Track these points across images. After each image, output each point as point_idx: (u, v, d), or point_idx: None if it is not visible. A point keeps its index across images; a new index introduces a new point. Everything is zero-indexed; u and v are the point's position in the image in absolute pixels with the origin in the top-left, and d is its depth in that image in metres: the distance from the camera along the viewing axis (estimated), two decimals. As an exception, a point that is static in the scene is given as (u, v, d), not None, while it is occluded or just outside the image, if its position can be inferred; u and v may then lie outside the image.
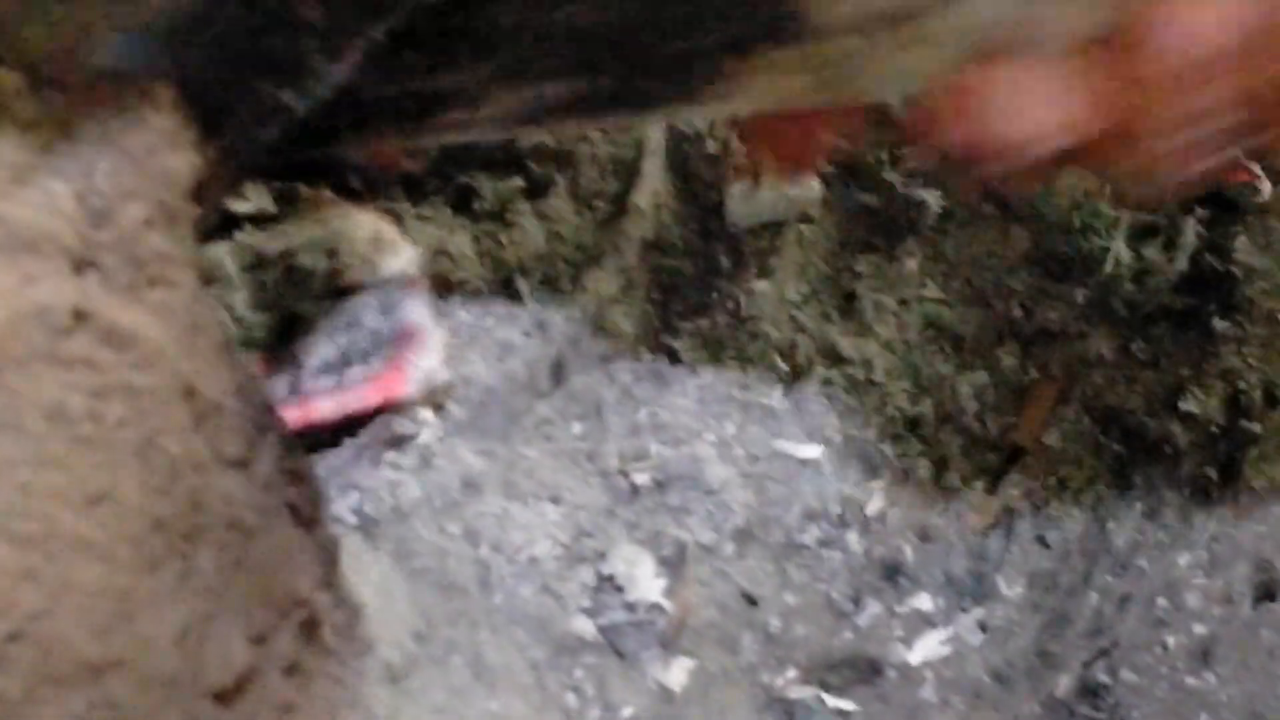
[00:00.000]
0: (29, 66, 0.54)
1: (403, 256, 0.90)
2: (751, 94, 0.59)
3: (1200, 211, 0.96)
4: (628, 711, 0.88)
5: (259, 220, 0.89)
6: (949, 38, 0.56)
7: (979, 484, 0.93)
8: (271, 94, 0.61)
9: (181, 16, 0.57)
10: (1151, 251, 0.95)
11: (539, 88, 0.61)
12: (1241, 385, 0.94)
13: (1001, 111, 0.55)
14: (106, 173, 0.55)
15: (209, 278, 0.60)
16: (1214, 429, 0.94)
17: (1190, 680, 0.92)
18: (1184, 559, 0.93)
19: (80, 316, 0.54)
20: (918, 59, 0.57)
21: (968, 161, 0.56)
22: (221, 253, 0.84)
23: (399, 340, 0.91)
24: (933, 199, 0.96)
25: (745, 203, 0.93)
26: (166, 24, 0.57)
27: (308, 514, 0.68)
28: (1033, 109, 0.55)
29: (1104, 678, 0.92)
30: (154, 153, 0.57)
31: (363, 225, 0.88)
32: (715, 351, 0.93)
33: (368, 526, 0.88)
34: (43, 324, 0.53)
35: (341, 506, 0.88)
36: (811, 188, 0.94)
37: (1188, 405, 0.94)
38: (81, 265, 0.54)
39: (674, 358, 0.93)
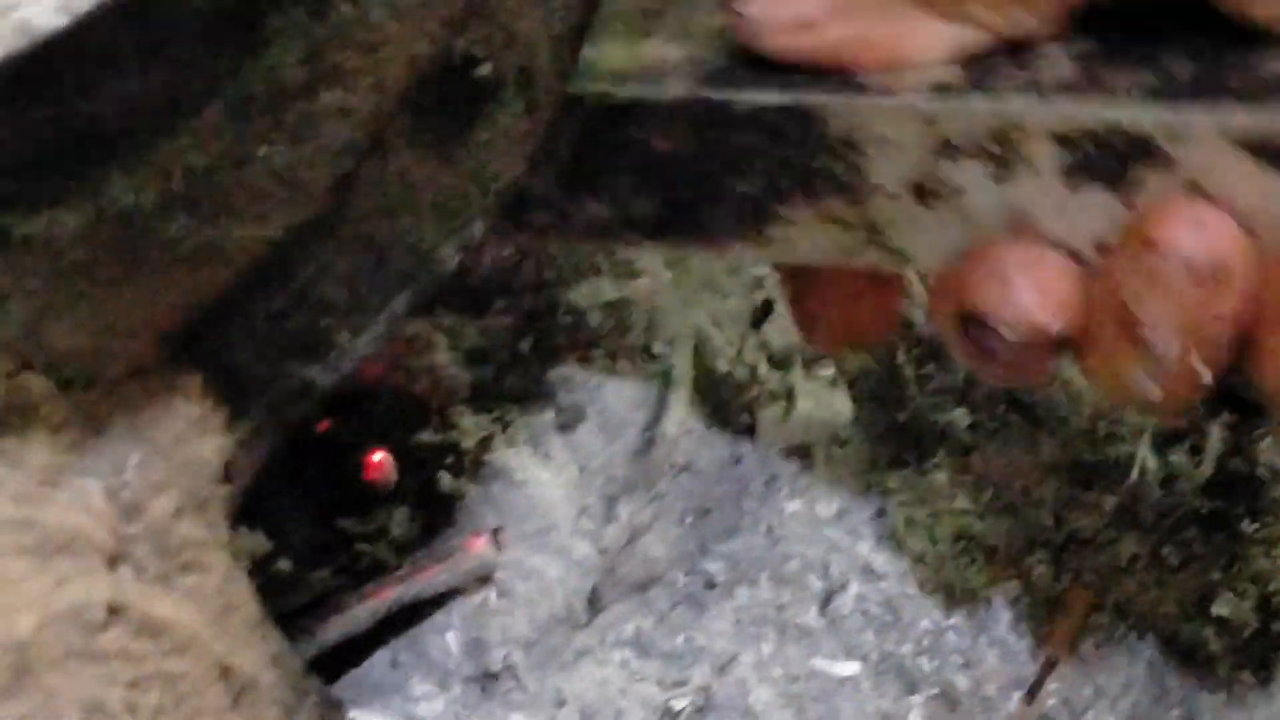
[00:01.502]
0: (56, 368, 0.55)
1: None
2: (806, 243, 0.62)
3: (1225, 416, 0.96)
4: None
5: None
6: (988, 216, 0.58)
7: (1016, 695, 0.93)
8: (298, 372, 0.62)
9: (207, 310, 0.58)
10: (1178, 457, 0.96)
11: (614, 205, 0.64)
12: (1273, 587, 0.94)
13: (1002, 285, 0.58)
14: (136, 466, 0.56)
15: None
16: (1247, 632, 0.94)
17: None
18: (1224, 761, 0.93)
19: (115, 611, 0.54)
20: (958, 230, 0.59)
21: (969, 333, 0.59)
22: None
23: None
24: (960, 415, 0.96)
25: (776, 426, 0.94)
26: (193, 318, 0.58)
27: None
28: (1029, 288, 0.58)
29: None
30: (183, 441, 0.58)
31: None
32: (750, 573, 0.93)
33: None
34: (78, 622, 0.53)
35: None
36: (841, 410, 0.95)
37: (1220, 608, 0.94)
38: (114, 560, 0.55)
39: (709, 581, 0.93)
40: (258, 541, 0.84)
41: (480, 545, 0.87)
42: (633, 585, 0.91)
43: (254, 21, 0.58)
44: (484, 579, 0.88)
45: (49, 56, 0.42)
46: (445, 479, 0.90)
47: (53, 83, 0.47)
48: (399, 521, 0.89)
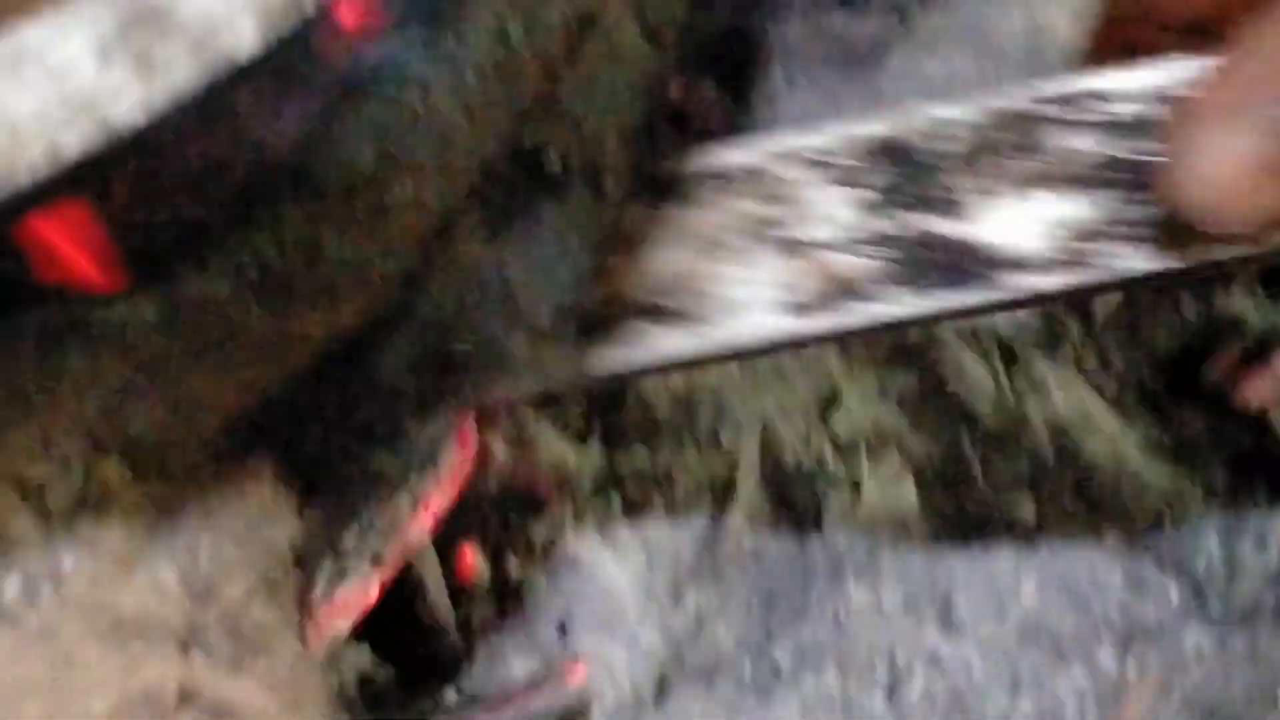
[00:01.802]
0: (131, 454, 0.56)
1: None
2: None
3: (1290, 507, 0.95)
4: None
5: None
6: None
7: (1084, 784, 0.93)
8: (368, 461, 0.63)
9: (279, 398, 0.59)
10: (1244, 548, 0.95)
11: None
12: (1343, 678, 0.93)
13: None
14: (209, 551, 0.57)
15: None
16: (1316, 723, 0.93)
17: None
18: None
19: (186, 696, 0.55)
20: None
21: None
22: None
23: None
24: (1026, 504, 0.96)
25: (843, 514, 0.94)
26: (265, 406, 0.59)
27: None
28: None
29: None
30: (254, 527, 0.58)
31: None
32: (816, 661, 0.93)
33: None
34: (150, 706, 0.54)
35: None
36: (907, 498, 0.95)
37: (1289, 699, 0.93)
38: (187, 644, 0.55)
39: (775, 668, 0.93)
40: (363, 658, 0.84)
41: (579, 677, 0.88)
42: (699, 672, 0.91)
43: (330, 114, 0.59)
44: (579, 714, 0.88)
45: (130, 151, 0.43)
46: (514, 565, 0.90)
47: (137, 177, 0.48)
48: (476, 612, 0.89)
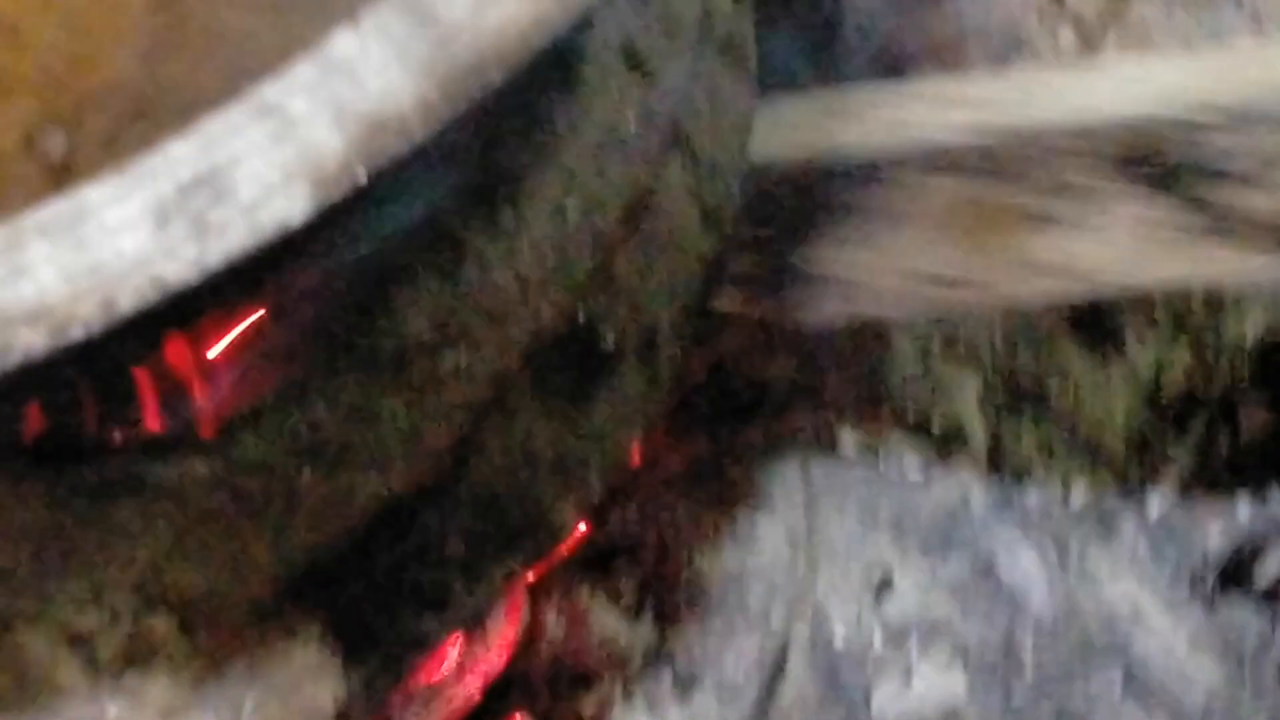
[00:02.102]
0: (180, 609, 0.56)
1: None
2: None
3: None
4: None
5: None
6: None
7: None
8: (415, 625, 0.63)
9: (329, 559, 0.59)
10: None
11: None
12: None
13: None
14: (253, 708, 0.57)
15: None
16: None
17: None
18: None
19: None
20: None
21: None
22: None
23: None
24: (1078, 696, 0.95)
25: (892, 700, 0.93)
26: (315, 565, 0.59)
27: None
28: None
29: None
30: (299, 686, 0.58)
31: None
32: None
33: None
34: None
35: None
36: (957, 689, 0.94)
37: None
38: (226, 801, 0.55)
39: None
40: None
41: None
42: None
43: (386, 283, 0.60)
44: None
45: (184, 308, 0.44)
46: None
47: (191, 336, 0.49)
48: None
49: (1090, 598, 0.97)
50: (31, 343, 0.42)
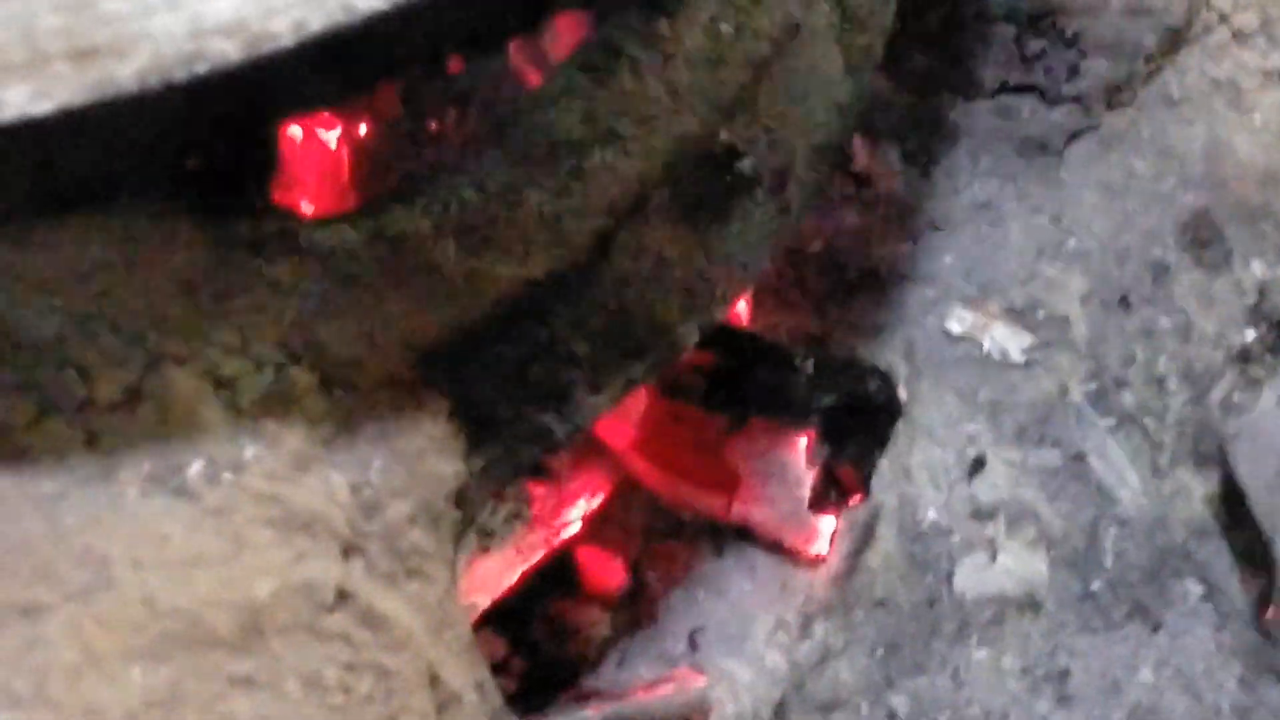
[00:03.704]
0: (321, 366, 0.57)
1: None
2: None
3: None
4: None
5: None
6: None
7: None
8: (536, 418, 0.64)
9: (462, 339, 0.60)
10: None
11: None
12: None
13: None
14: (380, 469, 0.58)
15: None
16: None
17: None
18: None
19: (343, 596, 0.56)
20: None
21: None
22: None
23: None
24: (1153, 593, 0.96)
25: (975, 576, 0.94)
26: (449, 344, 0.60)
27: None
28: None
29: None
30: (424, 456, 0.59)
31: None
32: (932, 712, 0.93)
33: None
34: (309, 598, 0.55)
35: None
36: (1039, 570, 0.95)
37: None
38: (349, 550, 0.57)
39: (891, 713, 0.93)
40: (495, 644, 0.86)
41: (699, 685, 0.88)
42: (818, 705, 0.91)
43: (541, 80, 0.61)
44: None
45: (368, 40, 0.45)
46: (652, 577, 0.91)
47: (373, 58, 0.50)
48: (610, 618, 0.90)
49: (1180, 505, 0.97)
50: (224, 52, 0.43)
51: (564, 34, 0.66)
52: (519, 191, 0.59)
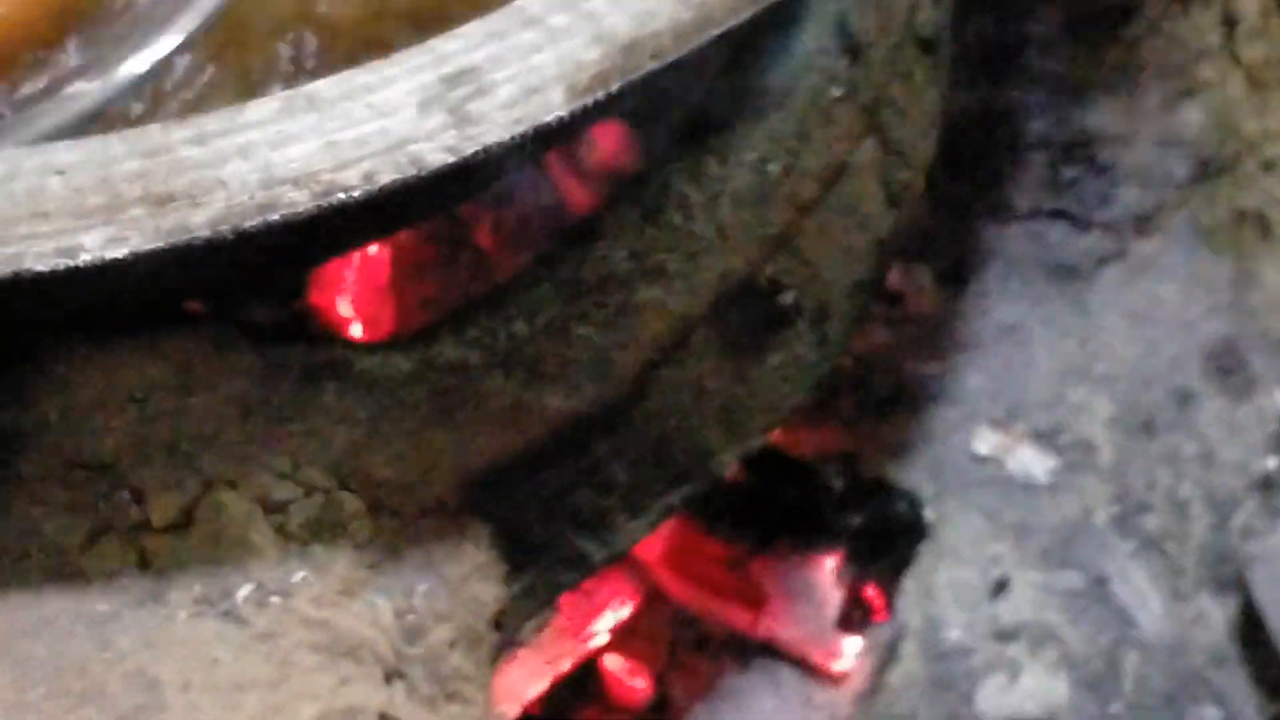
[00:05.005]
0: (369, 492, 0.58)
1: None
2: None
3: None
4: None
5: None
6: None
7: None
8: (576, 543, 0.65)
9: (506, 466, 0.61)
10: None
11: None
12: None
13: None
14: (424, 594, 0.59)
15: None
16: None
17: None
18: None
19: (384, 720, 0.57)
20: None
21: None
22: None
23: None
24: None
25: (995, 697, 0.94)
26: (493, 471, 0.61)
27: None
28: None
29: None
30: (467, 581, 0.60)
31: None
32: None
33: None
34: (351, 723, 0.56)
35: None
36: (1060, 693, 0.95)
37: None
38: (391, 675, 0.57)
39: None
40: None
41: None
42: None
43: (592, 216, 0.62)
44: None
45: (433, 186, 0.45)
46: (677, 691, 0.92)
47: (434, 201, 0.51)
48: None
49: (1200, 630, 0.98)
50: (295, 201, 0.44)
51: (605, 155, 0.67)
52: (567, 324, 0.60)
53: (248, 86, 0.54)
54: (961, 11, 0.83)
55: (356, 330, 0.65)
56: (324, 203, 0.44)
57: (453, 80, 0.46)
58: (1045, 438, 1.00)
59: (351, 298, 0.64)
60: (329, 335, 0.58)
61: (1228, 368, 1.03)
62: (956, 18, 0.79)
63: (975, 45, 1.01)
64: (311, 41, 0.57)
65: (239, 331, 0.57)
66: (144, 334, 0.56)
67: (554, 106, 0.45)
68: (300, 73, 0.56)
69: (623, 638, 0.91)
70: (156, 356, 0.56)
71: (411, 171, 0.44)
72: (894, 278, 1.01)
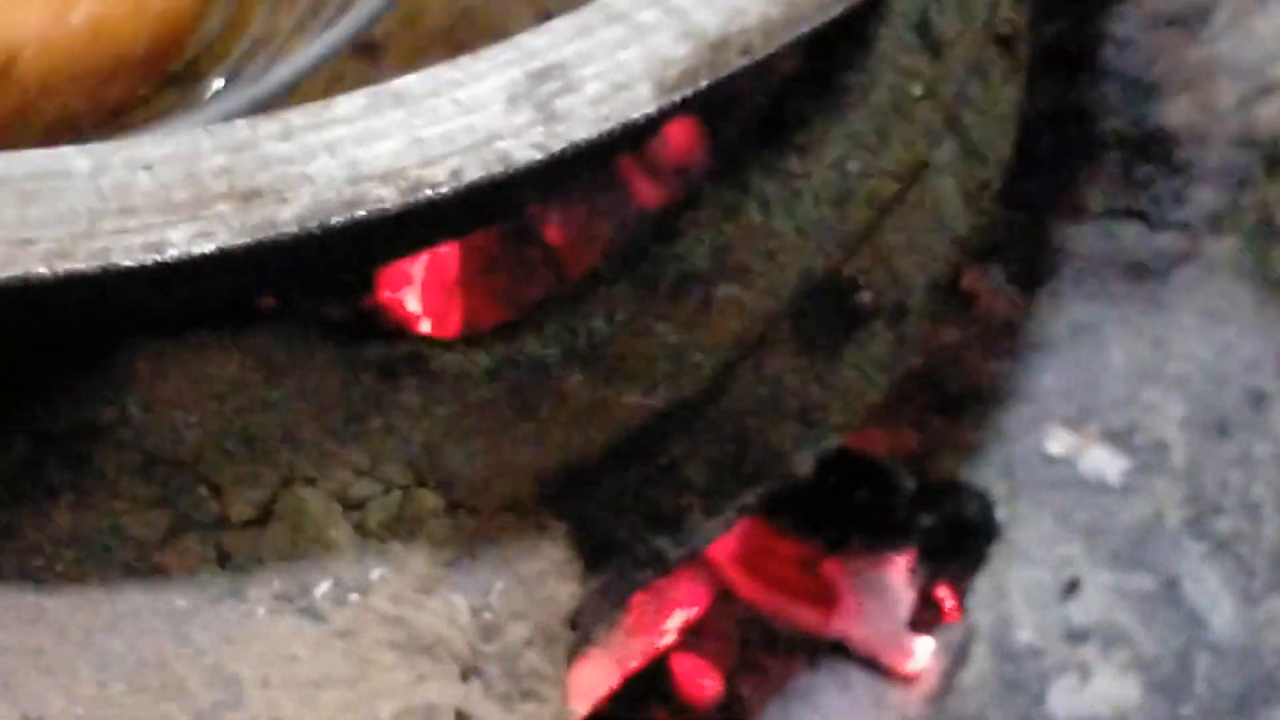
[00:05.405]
0: (447, 489, 0.58)
1: None
2: None
3: None
4: None
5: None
6: None
7: None
8: (652, 542, 0.64)
9: (583, 464, 0.61)
10: None
11: None
12: None
13: None
14: (500, 592, 0.58)
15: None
16: None
17: None
18: None
19: (461, 718, 0.56)
20: None
21: None
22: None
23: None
24: None
25: (1066, 698, 0.94)
26: (570, 468, 0.61)
27: None
28: None
29: None
30: (543, 580, 0.60)
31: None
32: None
33: None
34: (428, 720, 0.55)
35: None
36: (1131, 696, 0.94)
37: None
38: (468, 672, 0.57)
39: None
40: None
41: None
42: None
43: (670, 213, 0.61)
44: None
45: (519, 184, 0.45)
46: (747, 688, 0.91)
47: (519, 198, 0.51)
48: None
49: (1272, 633, 0.97)
50: (382, 198, 0.43)
51: (680, 151, 0.67)
52: (646, 322, 0.60)
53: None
54: (1040, 10, 0.82)
55: (425, 327, 0.65)
56: (411, 199, 0.44)
57: (540, 76, 0.45)
58: (1118, 438, 0.99)
59: (420, 294, 0.64)
60: (409, 332, 0.58)
61: (1302, 369, 1.02)
62: (1035, 16, 0.79)
63: (1052, 44, 1.01)
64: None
65: (320, 328, 0.57)
66: (224, 330, 0.56)
67: (642, 103, 0.45)
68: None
69: (692, 637, 0.91)
70: (236, 352, 0.56)
71: (499, 168, 0.44)
72: (966, 276, 1.01)
